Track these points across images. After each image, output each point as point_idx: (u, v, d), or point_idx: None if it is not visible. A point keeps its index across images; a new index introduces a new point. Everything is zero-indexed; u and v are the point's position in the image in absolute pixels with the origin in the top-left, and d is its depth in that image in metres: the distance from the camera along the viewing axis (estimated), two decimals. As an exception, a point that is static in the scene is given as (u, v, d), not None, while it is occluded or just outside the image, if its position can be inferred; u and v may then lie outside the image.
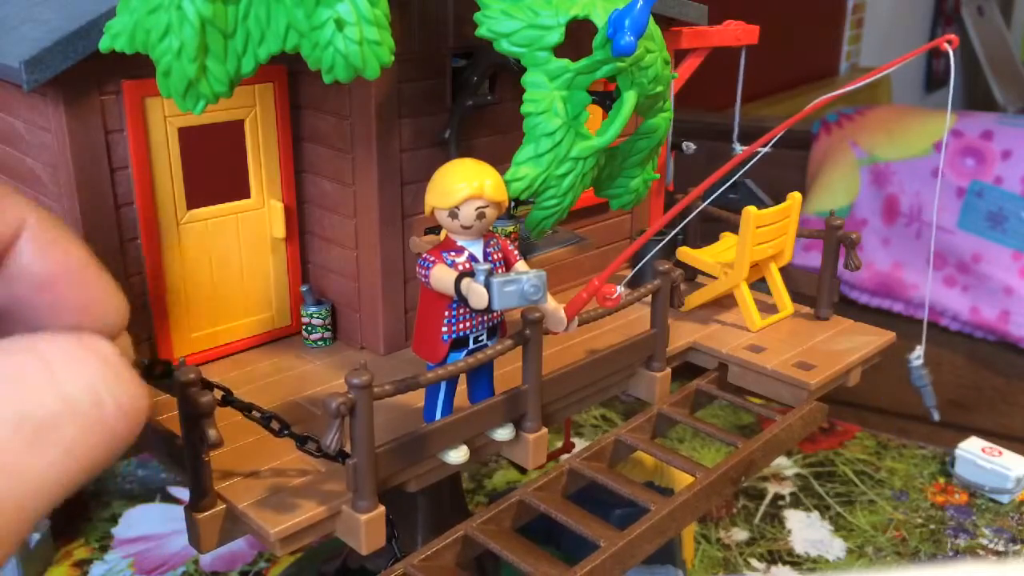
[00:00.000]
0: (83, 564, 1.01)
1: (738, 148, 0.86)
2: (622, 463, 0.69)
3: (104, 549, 1.04)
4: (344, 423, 0.48)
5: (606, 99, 0.61)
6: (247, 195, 0.68)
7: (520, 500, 0.59)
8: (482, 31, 0.55)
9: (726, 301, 0.81)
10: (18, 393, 0.24)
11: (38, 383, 0.24)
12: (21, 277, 0.27)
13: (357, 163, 0.66)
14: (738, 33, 0.87)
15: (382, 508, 0.52)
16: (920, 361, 0.51)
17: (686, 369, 0.77)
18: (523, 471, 1.12)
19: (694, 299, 0.80)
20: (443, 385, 0.56)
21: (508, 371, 0.61)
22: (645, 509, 0.59)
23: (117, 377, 0.25)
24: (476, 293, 0.50)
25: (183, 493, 1.12)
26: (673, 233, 0.71)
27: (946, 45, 0.31)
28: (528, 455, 0.61)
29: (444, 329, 0.54)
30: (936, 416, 0.53)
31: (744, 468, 0.65)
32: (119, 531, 1.07)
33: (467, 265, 0.53)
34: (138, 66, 0.52)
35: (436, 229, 0.68)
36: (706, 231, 0.87)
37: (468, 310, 0.54)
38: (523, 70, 0.56)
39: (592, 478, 0.62)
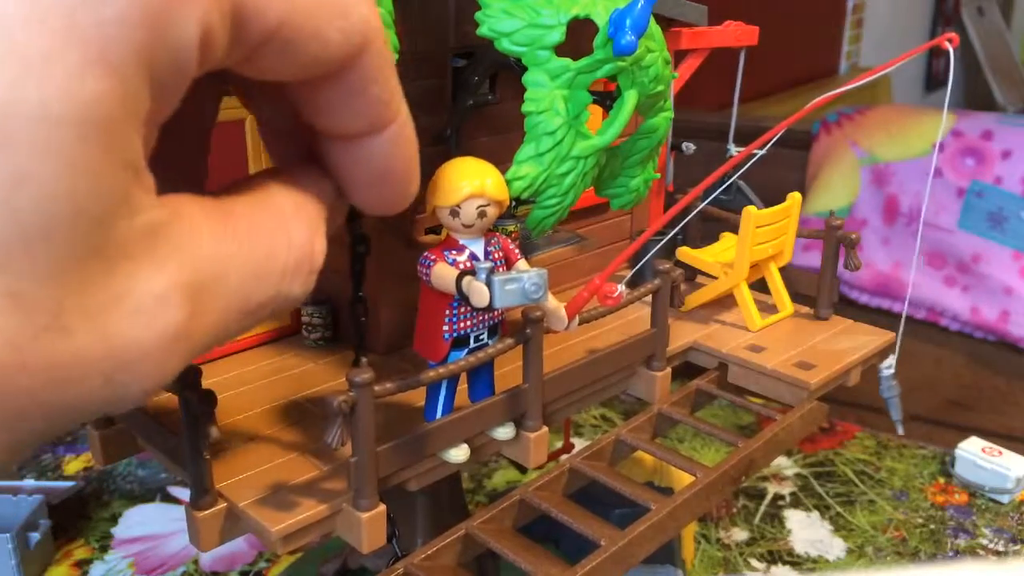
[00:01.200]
0: (83, 564, 1.01)
1: (733, 150, 0.86)
2: (622, 463, 0.69)
3: (104, 549, 1.04)
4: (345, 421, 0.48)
5: (607, 99, 0.61)
6: (248, 194, 0.68)
7: (521, 499, 0.59)
8: (483, 30, 0.55)
9: (726, 301, 0.81)
10: (261, 279, 0.26)
11: (275, 275, 0.26)
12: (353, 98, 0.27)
13: (358, 162, 0.66)
14: (738, 34, 0.87)
15: (383, 507, 0.52)
16: (891, 371, 0.50)
17: (686, 369, 0.77)
18: (523, 471, 1.12)
19: (694, 299, 0.80)
20: (444, 384, 0.56)
21: (508, 371, 0.61)
22: (645, 509, 0.59)
23: (310, 279, 0.28)
24: (477, 291, 0.50)
25: (183, 493, 1.12)
26: (673, 233, 0.71)
27: (946, 43, 0.31)
28: (529, 454, 0.61)
29: (445, 328, 0.54)
30: (901, 430, 0.53)
31: (744, 468, 0.65)
32: (119, 531, 1.07)
33: (468, 264, 0.53)
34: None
35: (437, 229, 0.68)
36: (706, 231, 0.87)
37: (469, 309, 0.54)
38: (524, 69, 0.56)
39: (593, 477, 0.62)
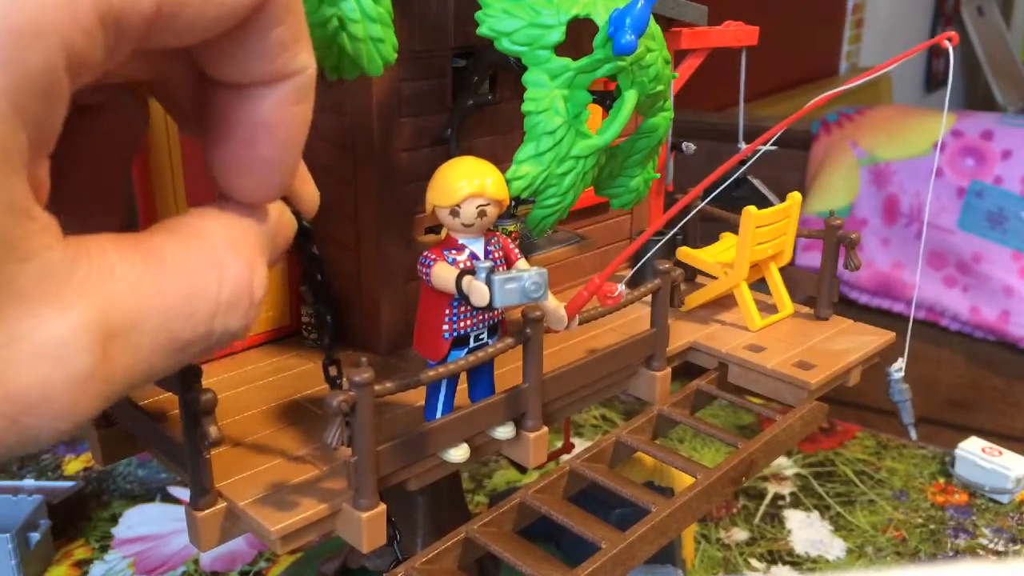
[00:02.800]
0: (83, 564, 1.01)
1: (743, 147, 0.86)
2: (622, 463, 0.69)
3: (104, 549, 1.04)
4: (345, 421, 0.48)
5: (607, 98, 0.61)
6: (247, 194, 0.68)
7: (521, 502, 0.59)
8: (483, 30, 0.55)
9: (726, 301, 0.81)
10: (188, 309, 0.25)
11: (204, 314, 0.26)
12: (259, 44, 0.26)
13: (357, 162, 0.67)
14: (738, 34, 0.87)
15: (383, 506, 0.52)
16: (901, 374, 0.50)
17: (686, 369, 0.77)
18: (523, 471, 1.12)
19: (694, 299, 0.80)
20: (444, 383, 0.56)
21: (508, 370, 0.61)
22: (645, 509, 0.59)
23: (250, 313, 0.27)
24: (477, 291, 0.50)
25: (183, 493, 1.12)
26: (672, 233, 0.71)
27: (946, 42, 0.31)
28: (529, 454, 0.61)
29: (445, 327, 0.54)
30: (913, 435, 0.52)
31: (744, 468, 0.65)
32: (119, 531, 1.07)
33: (468, 263, 0.53)
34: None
35: (437, 228, 0.68)
36: (706, 231, 0.87)
37: (469, 308, 0.54)
38: (524, 69, 0.56)
39: (593, 479, 0.62)
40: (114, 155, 0.31)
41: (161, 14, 0.22)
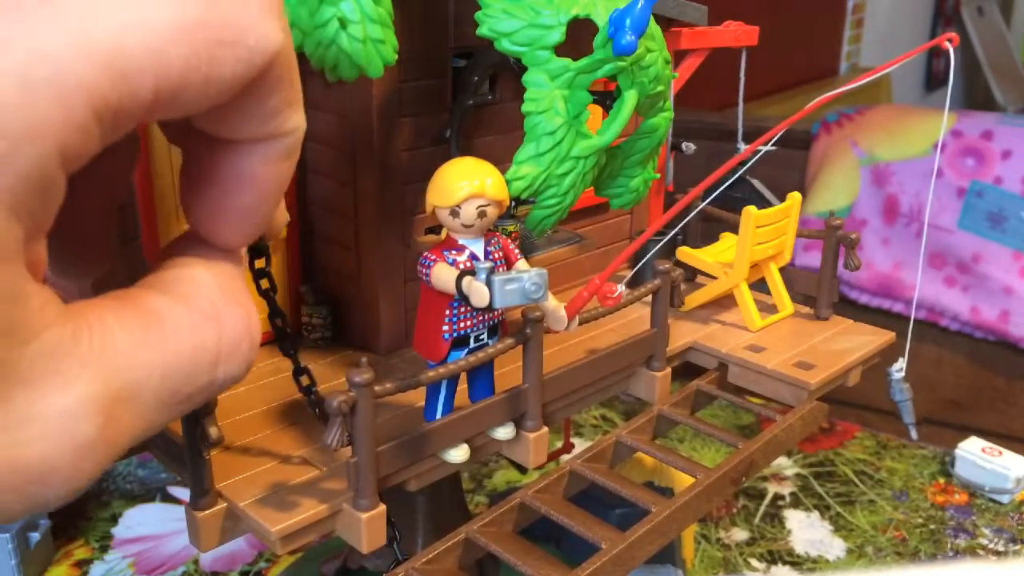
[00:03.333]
0: (83, 564, 1.01)
1: (742, 148, 0.86)
2: (622, 463, 0.69)
3: (104, 549, 1.04)
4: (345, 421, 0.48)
5: (607, 98, 0.61)
6: (248, 194, 0.68)
7: (521, 502, 0.59)
8: (483, 30, 0.55)
9: (726, 301, 0.81)
10: (191, 367, 0.26)
11: (206, 367, 0.26)
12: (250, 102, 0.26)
13: (358, 162, 0.67)
14: (738, 34, 0.87)
15: (383, 507, 0.52)
16: (901, 374, 0.50)
17: (686, 369, 0.77)
18: (523, 471, 1.12)
19: (694, 299, 0.80)
20: (444, 384, 0.56)
21: (508, 371, 0.61)
22: (645, 509, 0.59)
23: (251, 356, 0.28)
24: (477, 291, 0.50)
25: (183, 493, 1.12)
26: (673, 233, 0.71)
27: (947, 43, 0.31)
28: (529, 454, 0.61)
29: (445, 328, 0.54)
30: (914, 435, 0.52)
31: (744, 468, 0.65)
32: (119, 531, 1.07)
33: (468, 264, 0.53)
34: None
35: (437, 229, 0.68)
36: (706, 231, 0.87)
37: (469, 309, 0.54)
38: (524, 69, 0.56)
39: (593, 480, 0.62)
40: (104, 194, 0.31)
41: (160, 99, 0.22)
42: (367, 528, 0.51)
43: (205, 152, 0.28)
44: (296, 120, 0.27)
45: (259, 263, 0.46)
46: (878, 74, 0.36)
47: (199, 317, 0.26)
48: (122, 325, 0.24)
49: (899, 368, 0.58)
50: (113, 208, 0.32)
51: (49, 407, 0.21)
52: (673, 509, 0.58)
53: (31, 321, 0.21)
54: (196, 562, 1.02)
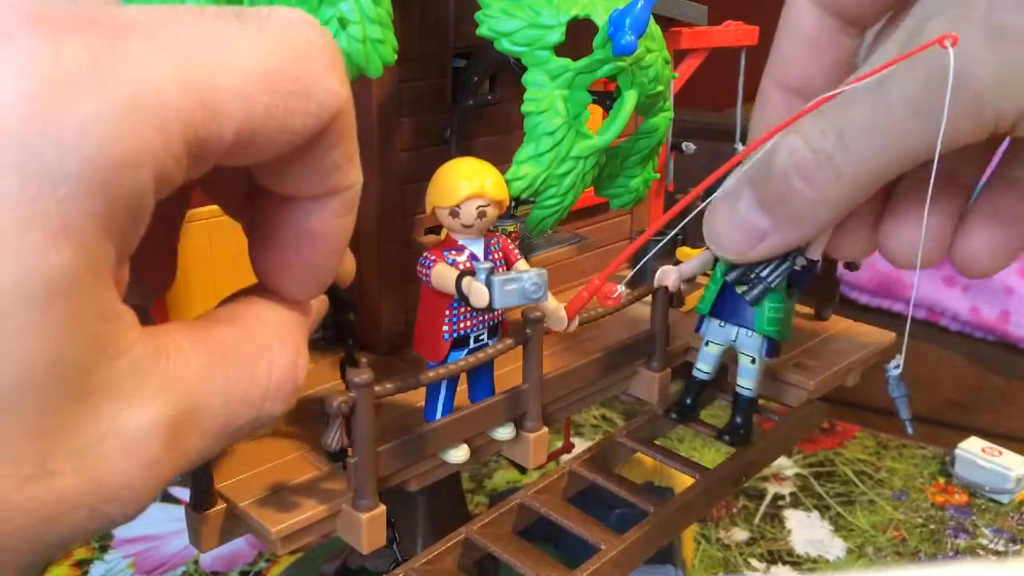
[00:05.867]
0: (83, 564, 1.01)
1: (740, 148, 0.86)
2: (621, 464, 0.69)
3: (104, 549, 1.04)
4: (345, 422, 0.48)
5: (606, 98, 0.61)
6: (247, 195, 0.68)
7: (520, 503, 0.59)
8: (483, 30, 0.55)
9: (726, 301, 0.81)
10: (237, 404, 0.27)
11: (256, 401, 0.27)
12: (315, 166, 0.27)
13: (357, 163, 0.66)
14: (738, 34, 0.87)
15: (383, 507, 0.52)
16: (899, 371, 0.50)
17: (686, 369, 0.77)
18: (523, 471, 1.12)
19: (694, 299, 0.80)
20: (444, 384, 0.56)
21: (508, 371, 0.61)
22: (645, 510, 0.59)
23: (291, 399, 0.29)
24: (477, 292, 0.50)
25: (183, 493, 1.12)
26: (673, 233, 0.71)
27: (946, 43, 0.31)
28: (529, 455, 0.61)
29: (445, 328, 0.54)
30: (911, 430, 0.53)
31: (744, 469, 0.65)
32: (119, 531, 1.07)
33: (468, 264, 0.53)
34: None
35: (437, 229, 0.68)
36: (706, 231, 0.87)
37: (469, 309, 0.54)
38: (523, 69, 0.56)
39: (592, 480, 0.62)
40: (174, 210, 0.33)
41: (239, 141, 0.24)
42: (367, 528, 0.51)
43: (268, 213, 0.29)
44: (355, 175, 0.29)
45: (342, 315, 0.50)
46: (878, 73, 0.36)
47: (256, 350, 0.28)
48: (195, 351, 0.25)
49: (896, 365, 0.58)
50: (180, 222, 0.34)
51: (128, 423, 0.22)
52: (672, 510, 0.58)
53: (120, 339, 0.22)
54: (196, 562, 1.02)
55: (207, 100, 0.22)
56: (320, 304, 0.34)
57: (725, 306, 0.59)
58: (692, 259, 0.59)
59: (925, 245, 0.43)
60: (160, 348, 0.24)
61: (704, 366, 0.63)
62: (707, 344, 0.62)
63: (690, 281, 0.85)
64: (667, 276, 0.58)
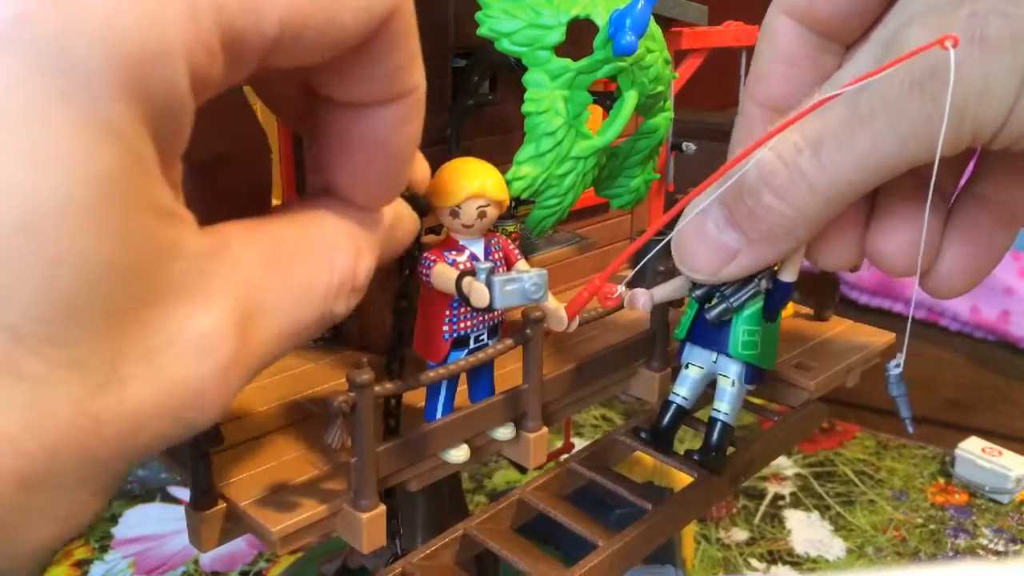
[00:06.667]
0: (83, 564, 1.02)
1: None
2: (622, 463, 0.69)
3: (104, 549, 1.04)
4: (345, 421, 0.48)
5: (607, 99, 0.61)
6: (248, 195, 0.68)
7: (519, 499, 0.59)
8: (483, 30, 0.55)
9: (726, 301, 0.81)
10: (301, 310, 0.26)
11: (319, 299, 0.27)
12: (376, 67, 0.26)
13: (358, 163, 0.67)
14: (738, 34, 0.87)
15: (383, 507, 0.52)
16: (899, 370, 0.50)
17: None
18: (523, 471, 1.12)
19: (694, 299, 0.80)
20: (444, 384, 0.56)
21: (508, 371, 0.61)
22: (643, 509, 0.59)
23: (352, 298, 0.29)
24: (477, 292, 0.50)
25: (183, 493, 1.12)
26: (674, 233, 0.71)
27: (947, 44, 0.31)
28: (528, 455, 0.61)
29: (445, 328, 0.54)
30: (911, 428, 0.52)
31: (743, 468, 0.65)
32: (119, 531, 1.07)
33: (468, 264, 0.53)
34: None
35: (436, 229, 0.68)
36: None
37: (469, 309, 0.54)
38: (524, 69, 0.56)
39: (591, 478, 0.62)
40: (250, 197, 0.33)
41: (284, 36, 0.22)
42: (367, 528, 0.51)
43: (331, 122, 0.28)
44: (416, 77, 0.28)
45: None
46: (878, 74, 0.36)
47: (317, 248, 0.27)
48: (255, 245, 0.25)
49: (896, 364, 0.58)
50: (263, 204, 0.34)
51: (195, 324, 0.22)
52: (670, 508, 0.59)
53: (179, 239, 0.21)
54: (196, 562, 1.02)
55: None
56: (402, 220, 0.33)
57: (702, 331, 0.56)
58: (667, 283, 0.56)
59: (915, 256, 0.43)
60: (219, 246, 0.23)
61: (682, 390, 0.59)
62: (687, 367, 0.58)
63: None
64: (637, 299, 0.54)
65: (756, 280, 0.52)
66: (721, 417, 0.58)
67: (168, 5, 0.20)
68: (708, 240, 0.44)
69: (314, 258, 0.27)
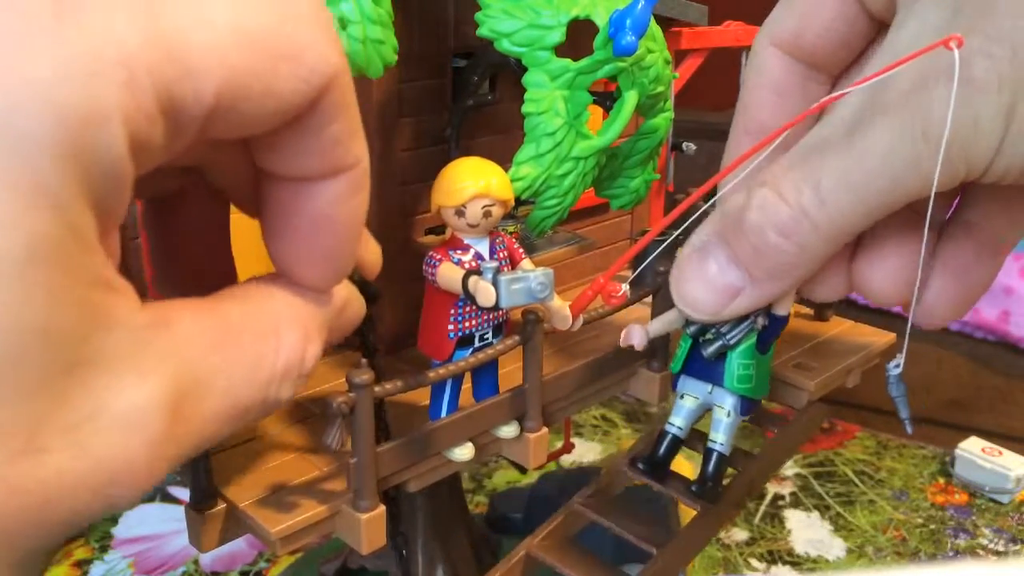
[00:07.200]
0: (83, 564, 1.01)
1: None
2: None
3: (104, 549, 1.04)
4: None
5: (607, 99, 0.61)
6: (248, 195, 0.68)
7: (527, 555, 0.60)
8: (483, 31, 0.55)
9: (726, 301, 0.81)
10: (245, 386, 0.26)
11: (262, 383, 0.26)
12: (313, 137, 0.26)
13: (358, 163, 0.66)
14: (738, 34, 0.87)
15: (382, 507, 0.52)
16: (899, 370, 0.50)
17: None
18: (523, 471, 1.12)
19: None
20: (448, 383, 0.56)
21: (510, 371, 0.61)
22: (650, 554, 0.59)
23: (298, 384, 0.28)
24: (483, 291, 0.50)
25: (183, 493, 1.12)
26: (676, 235, 0.71)
27: (951, 44, 0.31)
28: (529, 455, 0.61)
29: (450, 327, 0.54)
30: (910, 429, 0.53)
31: (746, 490, 0.65)
32: (119, 531, 1.07)
33: (473, 263, 0.53)
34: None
35: (437, 229, 0.68)
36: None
37: (474, 308, 0.54)
38: (524, 70, 0.56)
39: (594, 520, 0.62)
40: (208, 232, 0.33)
41: (221, 105, 0.22)
42: (366, 529, 0.51)
43: (276, 199, 0.28)
44: (359, 151, 0.28)
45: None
46: (882, 75, 0.35)
47: (263, 330, 0.27)
48: (198, 323, 0.24)
49: (896, 364, 0.58)
50: (223, 239, 0.34)
51: (124, 398, 0.21)
52: (677, 546, 0.59)
53: (114, 309, 0.21)
54: (196, 562, 1.02)
55: (179, 57, 0.21)
56: (351, 304, 0.32)
57: (697, 364, 0.57)
58: (661, 317, 0.55)
59: (902, 285, 0.43)
60: (160, 320, 0.23)
61: (677, 420, 0.60)
62: (683, 397, 0.59)
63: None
64: (632, 335, 0.54)
65: (752, 318, 0.52)
66: (717, 448, 0.59)
67: (105, 70, 0.20)
68: (710, 280, 0.43)
69: (260, 340, 0.27)
